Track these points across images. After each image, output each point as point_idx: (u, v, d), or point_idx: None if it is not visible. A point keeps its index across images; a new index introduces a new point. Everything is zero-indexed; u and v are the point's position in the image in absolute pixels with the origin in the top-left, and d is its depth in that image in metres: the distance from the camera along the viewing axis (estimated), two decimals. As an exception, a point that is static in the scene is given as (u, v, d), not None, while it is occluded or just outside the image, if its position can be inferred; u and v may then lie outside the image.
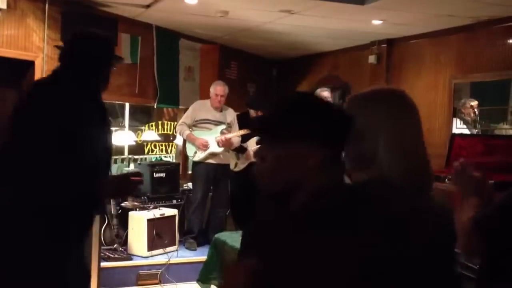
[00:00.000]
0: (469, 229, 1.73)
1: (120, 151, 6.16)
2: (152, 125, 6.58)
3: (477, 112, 5.51)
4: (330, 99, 5.76)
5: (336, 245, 1.23)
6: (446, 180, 4.66)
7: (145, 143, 6.49)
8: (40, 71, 5.09)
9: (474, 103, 5.54)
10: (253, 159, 6.17)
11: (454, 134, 5.32)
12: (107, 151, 2.42)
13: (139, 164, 6.17)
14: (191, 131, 5.65)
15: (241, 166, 6.21)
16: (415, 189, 1.40)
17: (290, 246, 1.29)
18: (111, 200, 5.14)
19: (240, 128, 5.79)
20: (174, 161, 6.66)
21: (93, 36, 2.48)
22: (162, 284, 4.97)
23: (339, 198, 1.30)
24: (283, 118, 1.34)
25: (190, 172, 6.50)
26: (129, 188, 2.46)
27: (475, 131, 5.56)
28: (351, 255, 1.21)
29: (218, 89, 5.63)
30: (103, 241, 4.98)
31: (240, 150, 6.10)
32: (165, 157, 6.75)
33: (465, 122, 5.63)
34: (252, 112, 6.28)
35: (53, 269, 2.18)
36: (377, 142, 1.43)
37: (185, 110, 6.08)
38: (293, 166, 1.31)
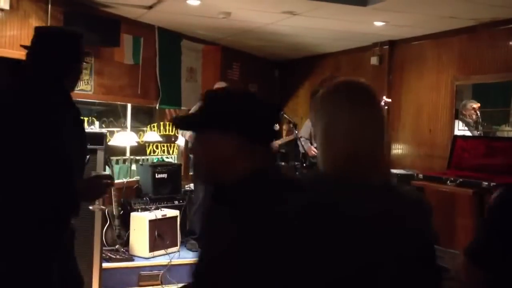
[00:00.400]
0: (464, 263, 1.71)
1: (122, 152, 6.16)
2: (154, 126, 6.59)
3: (479, 114, 5.51)
4: None
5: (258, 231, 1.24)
6: (448, 182, 4.66)
7: (147, 144, 6.49)
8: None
9: (476, 105, 5.53)
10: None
11: (456, 136, 5.32)
12: (80, 152, 2.37)
13: (141, 165, 6.17)
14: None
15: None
16: (349, 182, 1.35)
17: (217, 235, 1.35)
18: (113, 202, 5.15)
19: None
20: (176, 162, 6.66)
21: (58, 32, 2.44)
22: (163, 285, 4.97)
23: (259, 187, 1.33)
24: (201, 112, 1.41)
25: (191, 173, 6.50)
26: (100, 190, 2.44)
27: (476, 133, 5.55)
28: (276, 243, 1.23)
29: (220, 90, 5.64)
30: (104, 242, 4.98)
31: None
32: (167, 158, 6.75)
33: (467, 124, 5.63)
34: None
35: (34, 272, 2.14)
36: (318, 136, 1.44)
37: (187, 111, 6.08)
38: (215, 157, 1.36)
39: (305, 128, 5.94)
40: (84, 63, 2.49)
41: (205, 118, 1.38)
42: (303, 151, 5.76)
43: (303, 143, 5.67)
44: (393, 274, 1.33)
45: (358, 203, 1.32)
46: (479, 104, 5.54)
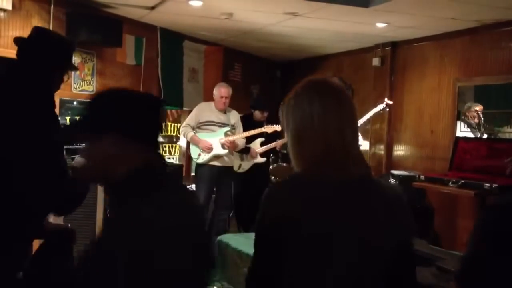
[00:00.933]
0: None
1: (124, 152, 6.16)
2: (155, 127, 6.58)
3: (481, 116, 5.50)
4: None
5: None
6: (450, 183, 4.66)
7: (148, 144, 6.48)
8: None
9: (479, 107, 5.53)
10: (257, 160, 6.19)
11: (458, 138, 5.32)
12: (56, 151, 2.34)
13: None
14: (195, 133, 5.64)
15: (245, 167, 6.21)
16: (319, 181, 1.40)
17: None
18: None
19: (244, 130, 5.79)
20: (177, 162, 6.66)
21: (56, 37, 2.48)
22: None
23: (142, 184, 1.40)
24: (83, 117, 1.51)
25: (193, 173, 6.50)
26: None
27: (479, 135, 5.55)
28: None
29: (222, 91, 5.62)
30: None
31: (245, 150, 6.10)
32: (169, 158, 6.75)
33: (469, 125, 5.62)
34: (257, 113, 6.28)
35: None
36: (289, 138, 1.48)
37: (189, 111, 6.08)
38: (99, 157, 1.44)
39: None
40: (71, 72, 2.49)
41: (86, 123, 1.48)
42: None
43: None
44: (374, 268, 1.39)
45: (330, 206, 1.38)
46: (482, 107, 5.54)
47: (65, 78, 2.49)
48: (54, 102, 2.38)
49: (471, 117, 5.58)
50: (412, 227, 1.51)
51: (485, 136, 5.49)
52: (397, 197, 1.47)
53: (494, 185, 4.26)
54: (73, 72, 5.09)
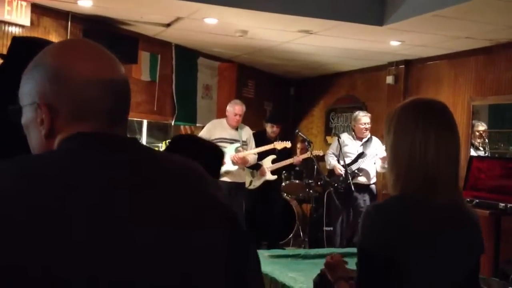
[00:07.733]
0: None
1: (137, 167, 6.19)
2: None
3: (485, 137, 5.52)
4: (368, 124, 5.73)
5: None
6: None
7: (161, 160, 6.51)
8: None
9: (483, 127, 5.56)
10: (268, 177, 6.18)
11: (472, 157, 5.28)
12: None
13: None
14: (207, 148, 5.66)
15: (256, 184, 6.19)
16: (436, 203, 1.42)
17: None
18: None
19: (257, 146, 5.79)
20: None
21: (30, 41, 2.41)
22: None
23: None
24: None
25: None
26: None
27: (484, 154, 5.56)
28: None
29: (237, 108, 5.63)
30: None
31: (255, 167, 6.10)
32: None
33: (471, 145, 5.64)
34: (269, 127, 6.29)
35: None
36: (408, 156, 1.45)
37: (202, 127, 6.11)
38: None
39: (334, 144, 5.95)
40: None
41: None
42: (323, 168, 5.74)
43: (330, 159, 5.73)
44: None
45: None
46: (485, 126, 5.56)
47: None
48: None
49: (472, 137, 5.59)
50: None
51: (498, 155, 5.46)
52: (478, 221, 1.54)
53: (509, 205, 4.22)
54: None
